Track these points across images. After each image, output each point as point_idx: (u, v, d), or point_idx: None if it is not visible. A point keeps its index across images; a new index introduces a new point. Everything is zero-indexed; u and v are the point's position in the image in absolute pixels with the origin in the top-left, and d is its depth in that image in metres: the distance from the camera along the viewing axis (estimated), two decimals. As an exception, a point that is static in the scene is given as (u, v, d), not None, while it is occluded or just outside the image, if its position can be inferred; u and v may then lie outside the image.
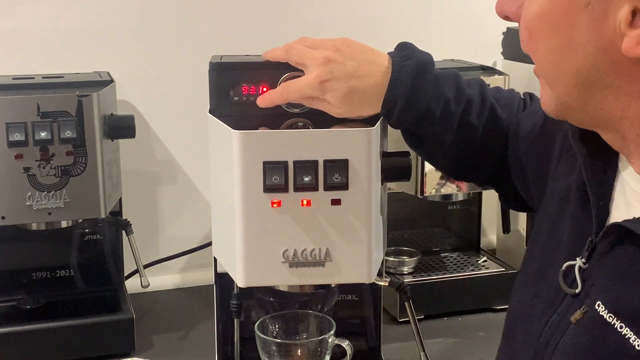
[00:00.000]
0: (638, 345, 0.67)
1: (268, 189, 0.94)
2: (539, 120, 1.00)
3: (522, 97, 1.10)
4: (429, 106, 0.99)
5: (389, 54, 1.00)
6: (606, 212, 0.77)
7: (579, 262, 0.76)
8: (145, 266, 1.41)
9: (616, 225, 0.73)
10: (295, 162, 0.94)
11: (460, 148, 1.04)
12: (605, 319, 0.71)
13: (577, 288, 0.76)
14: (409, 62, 0.98)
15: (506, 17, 0.80)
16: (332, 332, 1.11)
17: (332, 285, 1.14)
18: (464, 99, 1.03)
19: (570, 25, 0.69)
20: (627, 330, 0.69)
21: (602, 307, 0.72)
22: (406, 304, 1.12)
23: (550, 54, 0.73)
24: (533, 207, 1.02)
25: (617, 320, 0.70)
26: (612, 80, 0.70)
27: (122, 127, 1.32)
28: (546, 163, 0.94)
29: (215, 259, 1.13)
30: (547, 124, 0.97)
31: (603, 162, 0.79)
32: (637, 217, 0.71)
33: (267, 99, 1.01)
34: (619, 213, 0.76)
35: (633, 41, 0.66)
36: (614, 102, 0.72)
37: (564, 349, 0.75)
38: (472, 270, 1.51)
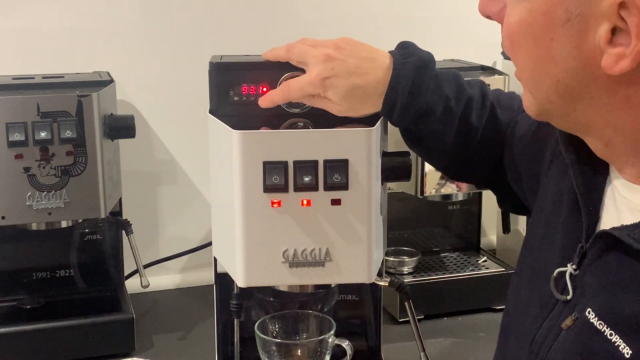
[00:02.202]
0: (627, 353, 0.67)
1: (268, 189, 0.94)
2: (534, 122, 0.99)
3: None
4: (430, 104, 0.99)
5: (389, 52, 1.00)
6: (596, 218, 0.77)
7: (570, 268, 0.76)
8: (145, 266, 1.41)
9: (604, 232, 0.72)
10: (295, 162, 0.94)
11: (460, 148, 1.04)
12: (595, 326, 0.71)
13: (568, 294, 0.76)
14: (410, 59, 0.99)
15: (488, 17, 0.79)
16: (332, 332, 1.11)
17: (332, 285, 1.14)
18: (465, 98, 1.03)
19: (550, 39, 0.69)
20: (616, 338, 0.68)
21: (592, 314, 0.72)
22: (406, 304, 1.12)
23: (530, 64, 0.73)
24: (529, 208, 1.02)
25: (606, 328, 0.69)
26: (593, 92, 0.70)
27: (122, 127, 1.32)
28: (538, 165, 0.94)
29: (215, 259, 1.13)
30: (541, 126, 0.98)
31: (592, 167, 0.79)
32: (625, 224, 0.71)
33: (268, 99, 1.01)
34: (609, 219, 0.76)
35: (612, 59, 0.66)
36: (595, 112, 0.72)
37: (555, 356, 0.75)
38: (472, 270, 1.51)
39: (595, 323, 0.71)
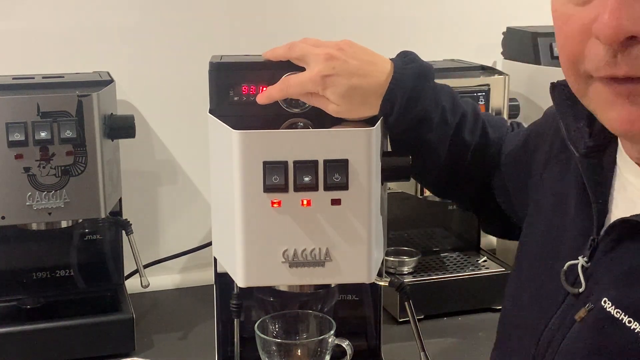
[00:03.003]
0: None
1: (268, 189, 0.94)
2: (520, 140, 1.03)
3: (510, 124, 1.12)
4: (427, 111, 1.00)
5: (390, 59, 1.01)
6: (605, 211, 0.77)
7: (581, 261, 0.76)
8: (145, 266, 1.41)
9: (620, 221, 0.73)
10: (295, 162, 0.94)
11: (452, 164, 1.05)
12: (613, 315, 0.71)
13: (580, 287, 0.76)
14: (410, 66, 1.00)
15: (631, 38, 0.65)
16: (332, 332, 1.11)
17: (332, 285, 1.14)
18: (460, 111, 1.05)
19: None
20: (635, 325, 0.69)
21: (608, 304, 0.71)
22: (406, 304, 1.12)
23: None
24: (517, 222, 1.03)
25: (624, 316, 0.70)
26: None
27: (122, 127, 1.32)
28: (527, 174, 0.96)
29: (215, 259, 1.13)
30: (528, 140, 1.00)
31: (599, 162, 0.79)
32: None
33: (266, 94, 1.01)
34: (618, 211, 0.76)
35: None
36: None
37: (569, 348, 0.75)
38: (472, 270, 1.51)
39: (612, 312, 0.71)
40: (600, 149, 0.79)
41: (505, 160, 1.04)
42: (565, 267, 0.78)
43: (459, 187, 1.10)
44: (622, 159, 0.78)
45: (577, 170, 0.82)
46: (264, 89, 1.02)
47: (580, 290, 0.76)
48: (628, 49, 0.65)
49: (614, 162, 0.79)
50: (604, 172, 0.79)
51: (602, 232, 0.76)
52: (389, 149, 1.07)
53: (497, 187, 1.06)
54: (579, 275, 0.76)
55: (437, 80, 1.04)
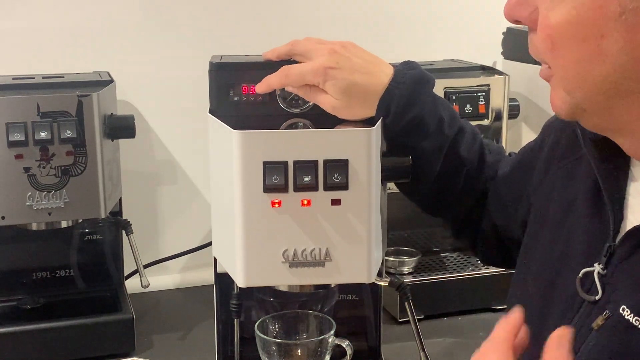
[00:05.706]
0: None
1: (268, 189, 0.94)
2: (516, 158, 1.04)
3: (509, 154, 1.12)
4: (424, 117, 1.00)
5: (392, 64, 1.02)
6: (620, 217, 0.77)
7: (597, 268, 0.76)
8: (145, 266, 1.41)
9: (639, 228, 0.72)
10: (295, 162, 0.94)
11: (444, 180, 1.04)
12: (632, 323, 0.70)
13: (596, 294, 0.75)
14: (412, 71, 1.01)
15: (516, 21, 0.77)
16: (332, 332, 1.11)
17: (332, 285, 1.14)
18: (457, 126, 1.04)
19: (600, 35, 0.67)
20: None
21: (627, 311, 0.71)
22: (406, 304, 1.12)
23: (575, 64, 0.70)
24: (511, 245, 1.03)
25: None
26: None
27: (122, 127, 1.32)
28: (524, 187, 0.97)
29: (215, 259, 1.13)
30: (524, 156, 1.01)
31: (614, 166, 0.78)
32: None
33: (265, 83, 1.01)
34: (634, 217, 0.75)
35: None
36: (638, 108, 0.70)
37: (587, 356, 0.74)
38: (472, 270, 1.51)
39: (631, 319, 0.70)
40: (615, 154, 0.78)
41: (502, 177, 1.04)
42: (580, 275, 0.77)
43: (449, 207, 1.09)
44: (635, 163, 0.77)
45: (587, 175, 0.82)
46: (264, 89, 1.03)
47: (597, 297, 0.75)
48: (530, 35, 0.75)
49: (627, 167, 0.78)
50: (619, 177, 0.78)
51: (618, 239, 0.75)
52: (389, 149, 1.07)
53: (493, 204, 1.06)
54: (595, 282, 0.75)
55: (437, 81, 1.05)
